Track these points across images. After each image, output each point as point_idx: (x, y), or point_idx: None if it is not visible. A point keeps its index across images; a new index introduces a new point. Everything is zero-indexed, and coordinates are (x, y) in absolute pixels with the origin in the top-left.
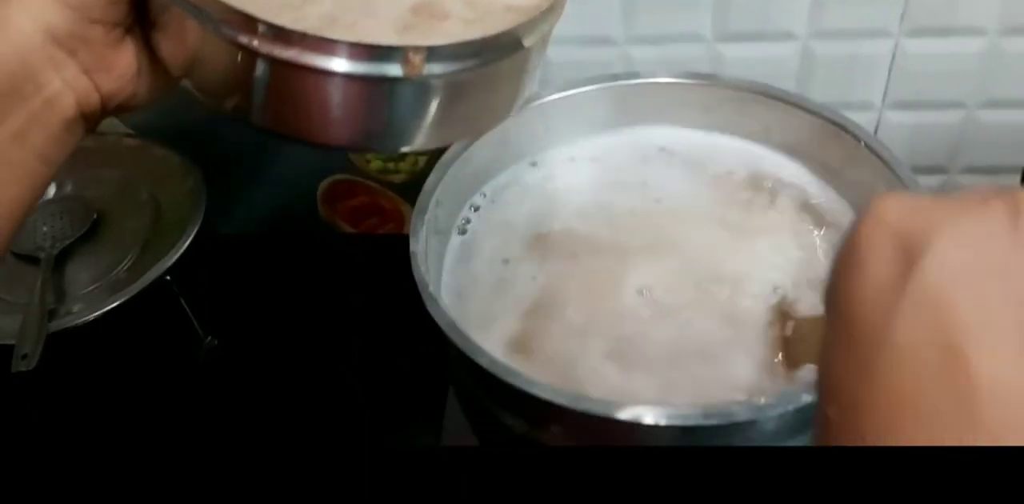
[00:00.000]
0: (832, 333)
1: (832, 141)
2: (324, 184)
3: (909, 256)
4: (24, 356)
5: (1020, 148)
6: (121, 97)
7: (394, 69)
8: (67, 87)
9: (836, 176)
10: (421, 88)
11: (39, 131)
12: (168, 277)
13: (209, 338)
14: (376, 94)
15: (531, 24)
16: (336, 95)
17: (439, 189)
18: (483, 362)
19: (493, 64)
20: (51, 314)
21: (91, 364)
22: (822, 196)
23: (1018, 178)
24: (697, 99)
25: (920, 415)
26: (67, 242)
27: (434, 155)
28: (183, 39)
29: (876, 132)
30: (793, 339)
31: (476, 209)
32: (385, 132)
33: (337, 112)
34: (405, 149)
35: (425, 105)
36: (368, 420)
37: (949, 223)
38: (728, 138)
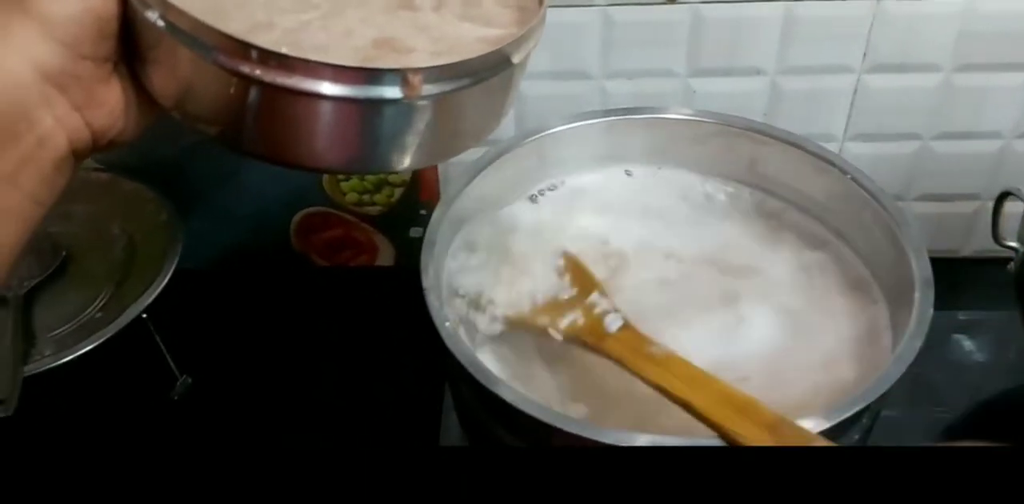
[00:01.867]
0: None
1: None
2: (298, 217)
3: None
4: (2, 402)
5: (971, 176)
6: (112, 133)
7: (394, 91)
8: (59, 125)
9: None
10: (417, 108)
11: (31, 172)
12: (144, 315)
13: (184, 376)
14: (375, 116)
15: (518, 42)
16: (334, 119)
17: (443, 225)
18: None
19: (484, 83)
20: (24, 356)
21: (65, 406)
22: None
23: (970, 205)
24: (690, 134)
25: None
26: (35, 281)
27: (409, 187)
28: (175, 70)
29: None
30: None
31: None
32: (380, 153)
33: (334, 136)
34: (399, 169)
35: (420, 125)
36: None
37: None
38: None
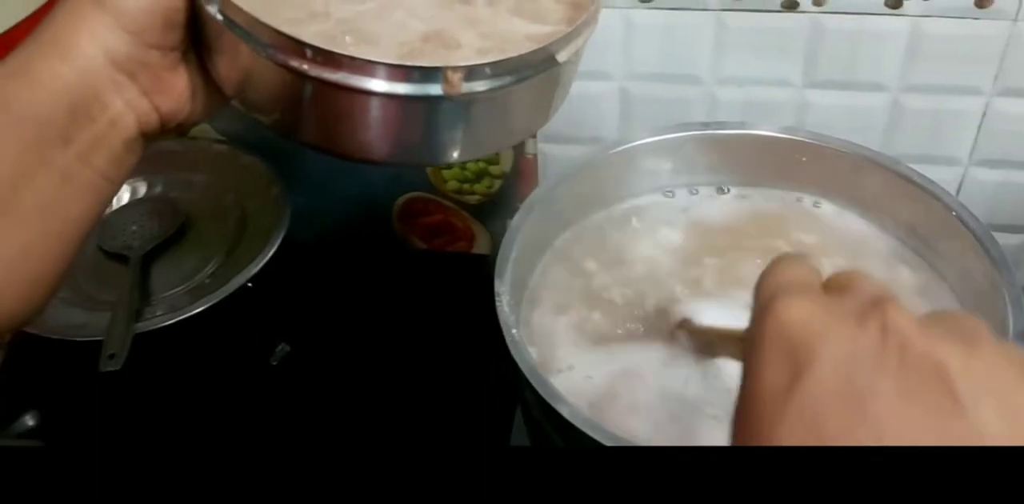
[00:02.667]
0: (736, 421)
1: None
2: (400, 201)
3: (796, 369)
4: (112, 356)
5: None
6: (180, 116)
7: (435, 89)
8: (128, 108)
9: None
10: (459, 105)
11: (103, 151)
12: (250, 284)
13: (282, 344)
14: (417, 112)
15: (565, 40)
16: (379, 114)
17: (523, 229)
18: (563, 412)
19: (527, 80)
20: (136, 314)
21: (170, 364)
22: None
23: None
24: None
25: None
26: (155, 243)
27: (509, 179)
28: (236, 62)
29: (960, 188)
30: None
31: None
32: (424, 147)
33: (380, 130)
34: (446, 162)
35: (463, 121)
36: (430, 433)
37: (831, 343)
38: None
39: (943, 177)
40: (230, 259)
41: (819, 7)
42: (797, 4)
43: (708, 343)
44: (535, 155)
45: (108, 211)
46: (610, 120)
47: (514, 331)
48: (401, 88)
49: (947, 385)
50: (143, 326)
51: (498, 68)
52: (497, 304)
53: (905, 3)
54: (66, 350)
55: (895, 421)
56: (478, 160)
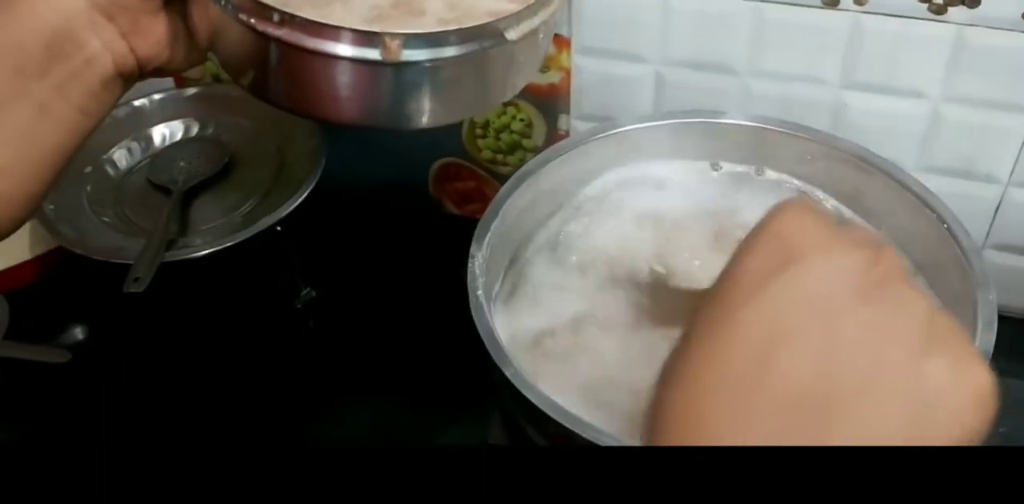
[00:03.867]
0: (704, 303)
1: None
2: (437, 163)
3: (784, 261)
4: (136, 279)
5: None
6: (157, 62)
7: (373, 53)
8: (105, 49)
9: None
10: (403, 72)
11: (78, 86)
12: (279, 228)
13: (308, 289)
14: (363, 75)
15: (514, 18)
16: (328, 75)
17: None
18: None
19: (475, 54)
20: (170, 244)
21: (196, 296)
22: None
23: None
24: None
25: (724, 381)
26: (199, 179)
27: (540, 152)
28: (206, 16)
29: (998, 207)
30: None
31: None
32: (380, 111)
33: (334, 91)
34: (404, 128)
35: (411, 88)
36: (431, 403)
37: (822, 254)
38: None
39: (980, 194)
40: (264, 202)
41: (860, 6)
42: (838, 1)
43: (675, 309)
44: (567, 131)
45: (160, 146)
46: (643, 103)
47: (479, 292)
48: (343, 50)
49: (916, 326)
50: (172, 255)
51: (440, 39)
52: (469, 265)
53: (950, 10)
54: (111, 271)
55: (851, 344)
56: (468, 120)
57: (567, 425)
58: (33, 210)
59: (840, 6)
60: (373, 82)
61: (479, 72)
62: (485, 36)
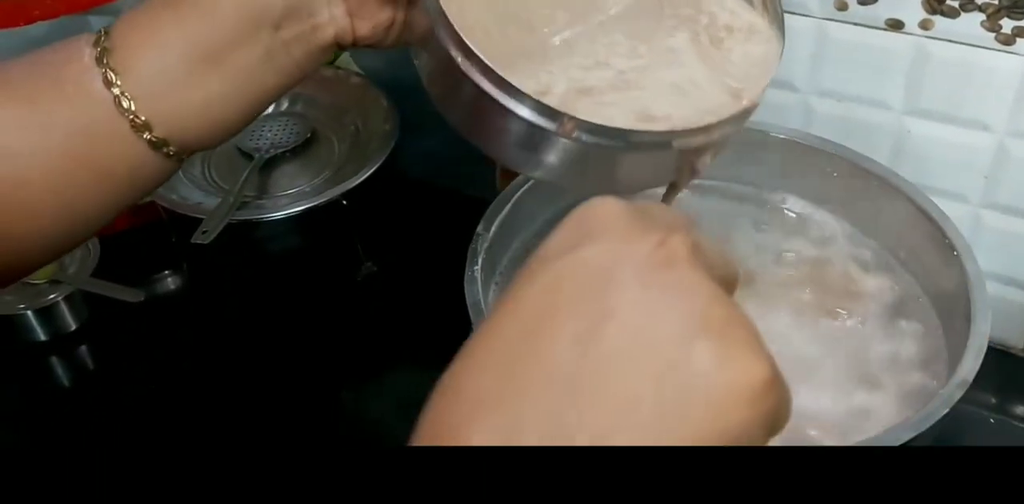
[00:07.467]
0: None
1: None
2: None
3: (574, 244)
4: (204, 232)
5: None
6: (370, 41)
7: (551, 125)
8: (332, 22)
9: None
10: (569, 144)
11: (301, 46)
12: (345, 202)
13: (369, 262)
14: (535, 137)
15: (690, 132)
16: (503, 127)
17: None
18: None
19: (633, 152)
20: (244, 205)
21: (262, 257)
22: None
23: None
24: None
25: (492, 356)
26: (280, 150)
27: None
28: (425, 17)
29: None
30: None
31: None
32: (537, 168)
33: (504, 138)
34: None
35: (572, 158)
36: None
37: (609, 236)
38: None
39: None
40: (335, 176)
41: (925, 31)
42: (903, 24)
43: None
44: None
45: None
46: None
47: (477, 268)
48: (523, 112)
49: (690, 310)
50: (241, 214)
51: (612, 133)
52: (472, 244)
53: (1018, 41)
54: (192, 225)
55: (615, 324)
56: None
57: None
58: (230, 136)
59: (905, 29)
60: (544, 145)
61: (636, 165)
62: (653, 142)
